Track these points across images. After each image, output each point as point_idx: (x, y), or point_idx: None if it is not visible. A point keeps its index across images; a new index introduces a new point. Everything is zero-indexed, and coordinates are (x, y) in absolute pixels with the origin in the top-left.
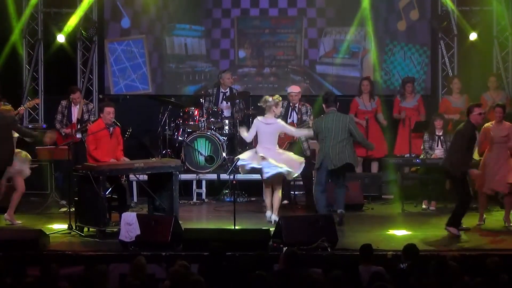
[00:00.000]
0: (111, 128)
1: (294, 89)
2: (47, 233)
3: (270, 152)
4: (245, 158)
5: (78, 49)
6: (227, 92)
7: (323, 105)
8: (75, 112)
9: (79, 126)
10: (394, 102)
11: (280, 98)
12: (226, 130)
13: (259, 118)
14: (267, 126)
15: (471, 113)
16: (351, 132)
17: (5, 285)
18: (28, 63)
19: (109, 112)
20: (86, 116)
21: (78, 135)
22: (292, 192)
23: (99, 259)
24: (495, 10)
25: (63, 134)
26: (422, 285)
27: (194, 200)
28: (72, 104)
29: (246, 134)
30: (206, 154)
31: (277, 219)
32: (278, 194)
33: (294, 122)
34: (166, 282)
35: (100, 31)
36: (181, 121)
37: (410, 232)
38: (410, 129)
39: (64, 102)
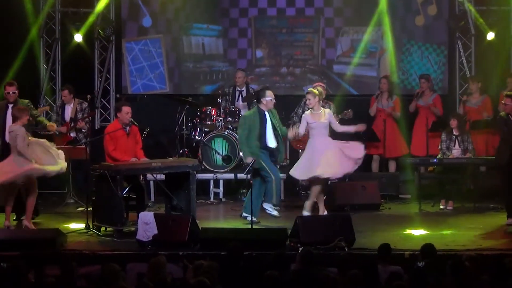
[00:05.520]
0: (128, 128)
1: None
2: (65, 232)
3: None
4: None
5: (95, 49)
6: (243, 91)
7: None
8: (69, 111)
9: (72, 125)
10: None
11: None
12: None
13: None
14: None
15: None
16: None
17: (25, 285)
18: (46, 62)
19: (127, 111)
20: (79, 115)
21: (72, 134)
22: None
23: (116, 258)
24: None
25: (57, 133)
26: (440, 284)
27: (212, 199)
28: (66, 103)
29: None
30: (224, 154)
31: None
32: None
33: None
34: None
35: (118, 30)
36: (198, 120)
37: (427, 232)
38: (427, 128)
39: (59, 102)
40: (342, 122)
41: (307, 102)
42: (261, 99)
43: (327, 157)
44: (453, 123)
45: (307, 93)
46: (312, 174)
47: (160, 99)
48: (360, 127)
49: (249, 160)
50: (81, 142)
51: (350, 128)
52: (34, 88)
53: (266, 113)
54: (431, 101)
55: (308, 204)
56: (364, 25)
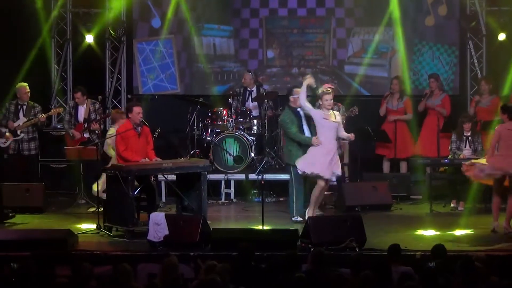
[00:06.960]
0: (139, 128)
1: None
2: (76, 233)
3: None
4: None
5: (106, 49)
6: (252, 91)
7: None
8: (82, 112)
9: (85, 126)
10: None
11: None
12: (255, 130)
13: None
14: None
15: None
16: None
17: (36, 285)
18: (57, 63)
19: (138, 112)
20: (93, 116)
21: (86, 135)
22: None
23: (127, 259)
24: None
25: (71, 134)
26: (450, 285)
27: (223, 200)
28: (79, 105)
29: None
30: (235, 154)
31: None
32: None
33: None
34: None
35: (129, 31)
36: (209, 121)
37: (438, 232)
38: (438, 129)
39: (71, 103)
40: (349, 119)
41: (330, 102)
42: (289, 97)
43: (332, 158)
44: (467, 126)
45: (329, 93)
46: (312, 171)
47: (171, 99)
48: (351, 136)
49: (316, 141)
50: (92, 143)
51: (344, 135)
52: (46, 88)
53: (299, 109)
54: (440, 101)
55: (309, 211)
56: (375, 26)
